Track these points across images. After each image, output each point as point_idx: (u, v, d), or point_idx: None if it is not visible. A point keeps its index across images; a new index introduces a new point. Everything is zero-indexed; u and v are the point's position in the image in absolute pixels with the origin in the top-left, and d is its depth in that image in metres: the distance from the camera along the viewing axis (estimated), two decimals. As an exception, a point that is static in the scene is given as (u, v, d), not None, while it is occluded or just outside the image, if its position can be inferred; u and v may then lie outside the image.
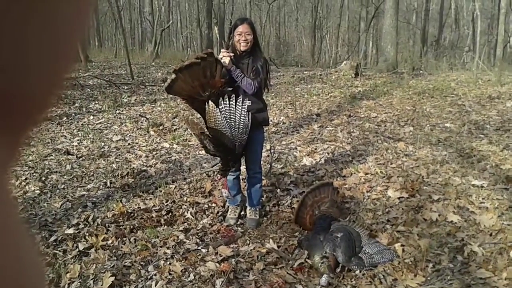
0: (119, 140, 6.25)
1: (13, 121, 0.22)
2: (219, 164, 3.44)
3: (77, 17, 0.23)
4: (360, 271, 2.88)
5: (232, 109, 3.11)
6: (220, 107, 3.08)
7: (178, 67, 3.11)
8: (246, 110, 3.11)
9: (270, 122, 6.25)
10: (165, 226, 3.59)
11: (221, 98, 3.10)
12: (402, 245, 3.12)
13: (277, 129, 6.60)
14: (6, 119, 0.21)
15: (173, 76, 3.08)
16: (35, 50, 0.21)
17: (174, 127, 6.78)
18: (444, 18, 25.52)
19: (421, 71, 12.90)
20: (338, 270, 2.91)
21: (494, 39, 19.67)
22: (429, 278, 2.78)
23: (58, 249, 3.22)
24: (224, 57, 3.21)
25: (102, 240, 3.28)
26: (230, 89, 3.24)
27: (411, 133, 6.07)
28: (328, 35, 27.76)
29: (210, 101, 3.08)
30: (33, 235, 3.32)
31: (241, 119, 3.12)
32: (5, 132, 0.22)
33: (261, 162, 3.73)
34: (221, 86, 3.17)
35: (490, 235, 3.25)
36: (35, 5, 0.20)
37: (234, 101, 3.11)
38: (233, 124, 3.13)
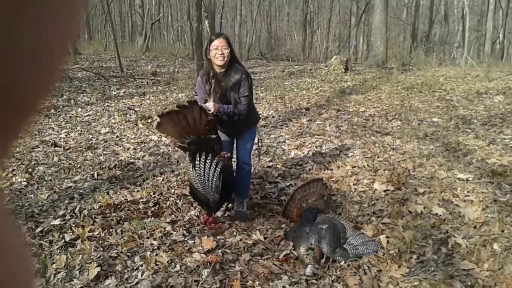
0: (107, 132, 6.22)
1: (3, 121, 0.21)
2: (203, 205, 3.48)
3: (68, 14, 0.22)
4: (345, 262, 2.91)
5: (207, 169, 3.15)
6: (195, 162, 3.15)
7: (160, 113, 3.26)
8: (219, 173, 3.15)
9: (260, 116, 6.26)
10: (152, 218, 3.59)
11: (197, 154, 3.14)
12: (387, 237, 3.15)
13: (266, 123, 6.61)
14: None
15: (158, 119, 3.23)
16: (26, 50, 0.20)
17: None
18: (434, 14, 25.62)
19: (410, 67, 12.97)
20: (323, 261, 2.94)
21: (483, 35, 19.80)
22: (413, 269, 2.81)
23: (44, 240, 3.20)
24: (208, 106, 3.23)
25: (88, 231, 3.27)
26: (214, 136, 3.29)
27: (398, 127, 6.12)
28: (319, 30, 27.69)
29: (187, 153, 3.21)
30: (19, 226, 3.30)
31: (213, 180, 3.17)
32: None
33: (250, 155, 3.75)
34: (203, 134, 3.23)
35: (474, 227, 3.29)
36: (24, 3, 0.20)
37: (209, 161, 3.14)
38: (206, 182, 3.18)
